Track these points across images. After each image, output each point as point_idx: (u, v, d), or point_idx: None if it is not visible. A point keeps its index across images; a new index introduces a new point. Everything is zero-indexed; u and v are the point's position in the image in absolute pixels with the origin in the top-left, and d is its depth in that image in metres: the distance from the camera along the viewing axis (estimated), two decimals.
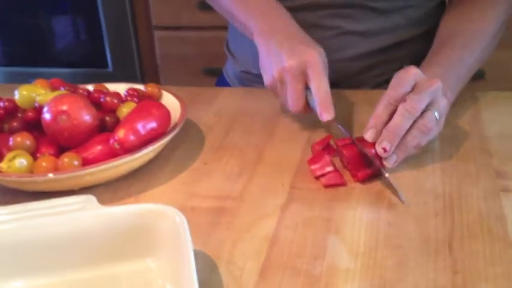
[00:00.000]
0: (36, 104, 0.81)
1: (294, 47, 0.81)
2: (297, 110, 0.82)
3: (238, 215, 0.69)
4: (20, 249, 0.58)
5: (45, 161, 0.73)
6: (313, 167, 0.74)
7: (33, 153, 0.75)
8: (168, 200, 0.73)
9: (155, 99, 0.87)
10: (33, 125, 0.80)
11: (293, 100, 0.81)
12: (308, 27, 0.88)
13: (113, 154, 0.73)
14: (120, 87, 0.90)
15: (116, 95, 0.84)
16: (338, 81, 0.99)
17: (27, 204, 0.61)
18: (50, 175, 0.69)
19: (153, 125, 0.74)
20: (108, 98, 0.82)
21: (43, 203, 0.61)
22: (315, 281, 0.58)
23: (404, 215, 0.67)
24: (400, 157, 0.73)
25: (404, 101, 0.71)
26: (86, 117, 0.75)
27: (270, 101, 0.96)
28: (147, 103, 0.76)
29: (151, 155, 0.77)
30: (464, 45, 0.89)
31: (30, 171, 0.73)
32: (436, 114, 0.72)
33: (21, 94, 0.82)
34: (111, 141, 0.72)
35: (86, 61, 2.33)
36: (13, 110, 0.83)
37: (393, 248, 0.62)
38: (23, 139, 0.75)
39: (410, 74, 0.74)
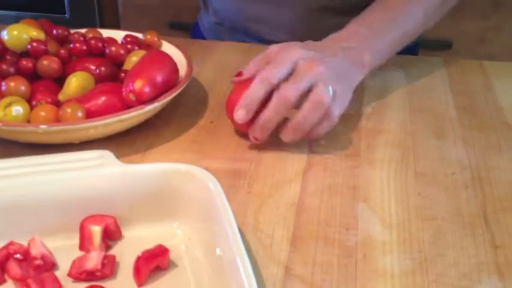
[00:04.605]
0: (29, 47, 0.73)
1: None
2: None
3: (257, 179, 0.64)
4: (31, 207, 0.52)
5: (43, 110, 0.66)
6: None
7: (28, 100, 0.68)
8: (178, 158, 0.67)
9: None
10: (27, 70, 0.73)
11: None
12: None
13: (118, 106, 0.67)
14: (113, 33, 0.83)
15: (120, 44, 0.78)
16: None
17: (37, 157, 0.55)
18: (55, 126, 0.63)
19: (167, 77, 0.68)
20: (113, 48, 0.75)
21: (55, 157, 0.55)
22: (351, 252, 0.55)
23: (433, 185, 0.64)
24: (295, 138, 0.67)
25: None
26: None
27: None
28: (159, 53, 0.70)
29: (159, 109, 0.71)
30: (403, 4, 0.81)
31: (27, 120, 0.66)
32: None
33: (11, 34, 0.74)
34: (125, 91, 0.65)
35: (40, 5, 2.19)
36: (1, 51, 0.75)
37: (427, 220, 0.59)
38: (17, 84, 0.68)
39: (291, 56, 0.67)
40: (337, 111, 0.67)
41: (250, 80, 0.66)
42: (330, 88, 0.65)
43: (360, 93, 0.82)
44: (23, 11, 2.20)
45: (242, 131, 0.70)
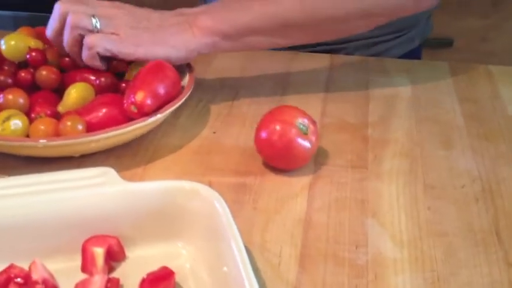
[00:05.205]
0: (28, 56, 0.71)
1: None
2: None
3: (262, 194, 0.63)
4: (31, 228, 0.51)
5: (43, 124, 0.64)
6: None
7: (27, 113, 0.66)
8: (182, 172, 0.66)
9: None
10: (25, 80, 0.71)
11: None
12: None
13: (119, 118, 0.66)
14: None
15: None
16: None
17: (37, 175, 0.53)
18: (55, 141, 0.61)
19: (169, 88, 0.66)
20: (114, 62, 0.73)
21: (56, 175, 0.53)
22: (362, 272, 0.53)
23: (443, 199, 0.62)
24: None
25: None
26: None
27: (276, 64, 0.90)
28: (160, 63, 0.68)
29: (161, 120, 0.69)
30: None
31: (26, 133, 0.64)
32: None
33: (9, 44, 0.73)
34: (126, 103, 0.64)
35: (37, 5, 2.15)
36: None
37: (438, 236, 0.57)
38: (16, 97, 0.67)
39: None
40: (95, 41, 0.68)
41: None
42: (94, 20, 0.69)
43: (364, 101, 0.81)
44: (19, 11, 2.17)
45: (269, 162, 0.67)
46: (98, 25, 0.69)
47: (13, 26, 2.18)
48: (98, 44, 0.68)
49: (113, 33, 0.70)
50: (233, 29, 0.74)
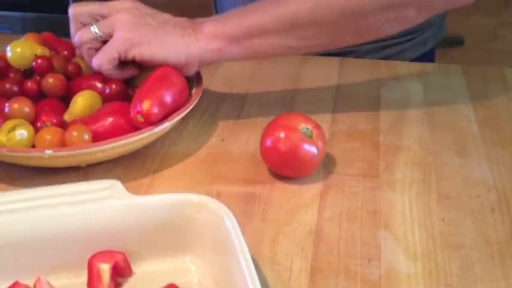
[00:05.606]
0: (34, 64, 0.70)
1: None
2: None
3: (272, 204, 0.61)
4: (37, 243, 0.50)
5: (48, 133, 0.63)
6: None
7: (33, 122, 0.65)
8: (189, 182, 0.65)
9: None
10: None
11: None
12: None
13: (125, 127, 0.64)
14: None
15: None
16: None
17: (42, 189, 0.52)
18: (61, 151, 0.60)
19: (176, 96, 0.65)
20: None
21: (61, 188, 0.52)
22: (375, 287, 0.51)
23: (458, 209, 0.61)
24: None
25: None
26: None
27: (284, 68, 0.89)
28: (168, 70, 0.67)
29: (168, 129, 0.68)
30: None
31: (31, 143, 0.63)
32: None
33: (15, 51, 0.71)
34: (133, 112, 0.63)
35: (44, 5, 2.14)
36: (4, 69, 0.72)
37: (453, 249, 0.56)
38: (21, 106, 0.66)
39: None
40: (97, 62, 0.68)
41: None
42: (93, 28, 0.69)
43: (376, 107, 0.79)
44: (27, 12, 2.16)
45: (276, 171, 0.66)
46: (98, 31, 0.69)
47: (21, 26, 2.18)
48: (100, 63, 0.68)
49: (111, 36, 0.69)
50: (241, 31, 0.70)
